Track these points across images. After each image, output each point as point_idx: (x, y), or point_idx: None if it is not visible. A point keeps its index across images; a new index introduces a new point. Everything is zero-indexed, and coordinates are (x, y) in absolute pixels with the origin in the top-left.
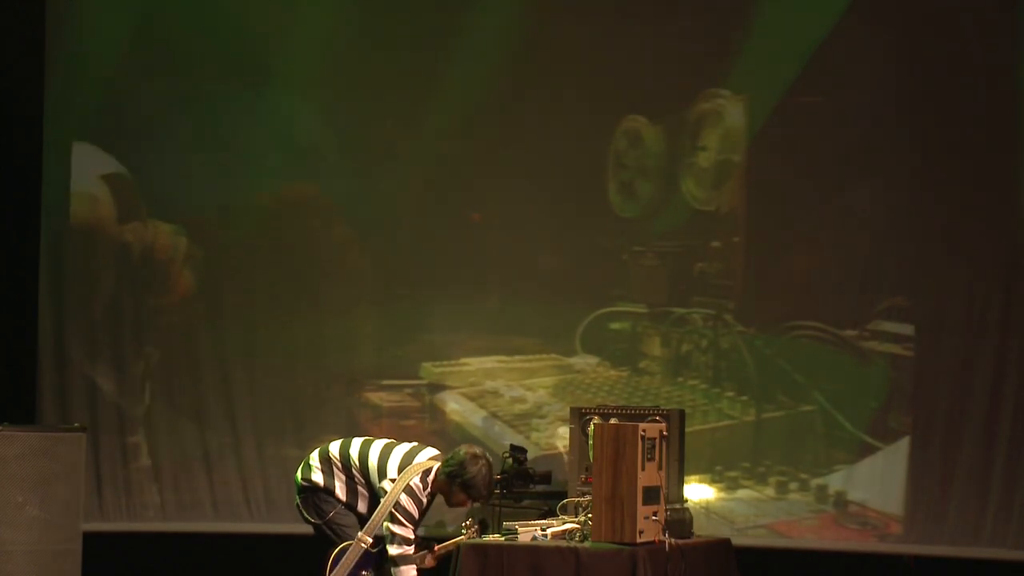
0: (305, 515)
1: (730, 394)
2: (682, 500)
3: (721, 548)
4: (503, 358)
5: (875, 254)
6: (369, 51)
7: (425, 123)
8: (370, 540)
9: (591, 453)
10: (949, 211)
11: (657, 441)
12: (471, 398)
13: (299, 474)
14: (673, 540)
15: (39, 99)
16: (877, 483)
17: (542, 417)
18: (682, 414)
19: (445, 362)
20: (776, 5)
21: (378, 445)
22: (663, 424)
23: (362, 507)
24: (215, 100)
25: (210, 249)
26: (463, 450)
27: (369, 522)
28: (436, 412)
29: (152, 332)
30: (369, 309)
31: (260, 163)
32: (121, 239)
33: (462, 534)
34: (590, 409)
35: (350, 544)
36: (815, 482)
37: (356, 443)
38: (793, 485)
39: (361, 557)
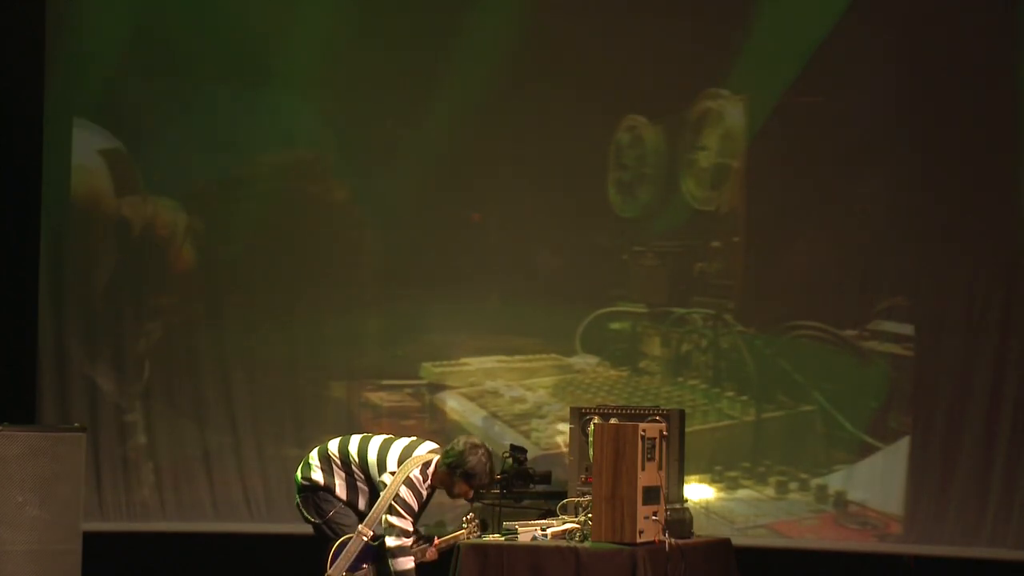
0: (305, 514)
1: (730, 394)
2: (682, 500)
3: (721, 548)
4: (503, 358)
5: (875, 254)
6: (369, 51)
7: (425, 123)
8: (371, 533)
9: (591, 453)
10: (949, 211)
11: (657, 441)
12: (471, 398)
13: (299, 473)
14: (673, 540)
15: (39, 99)
16: (877, 483)
17: (542, 417)
18: (682, 414)
19: (445, 362)
20: (776, 5)
21: (377, 440)
22: (663, 424)
23: (362, 504)
24: (215, 100)
25: (210, 250)
26: (461, 441)
27: (369, 514)
28: (436, 412)
29: (152, 332)
30: (369, 309)
31: (260, 163)
32: (120, 238)
33: (463, 528)
34: (590, 409)
35: (351, 537)
36: (815, 482)
37: (355, 440)
38: (793, 485)
39: (362, 550)
